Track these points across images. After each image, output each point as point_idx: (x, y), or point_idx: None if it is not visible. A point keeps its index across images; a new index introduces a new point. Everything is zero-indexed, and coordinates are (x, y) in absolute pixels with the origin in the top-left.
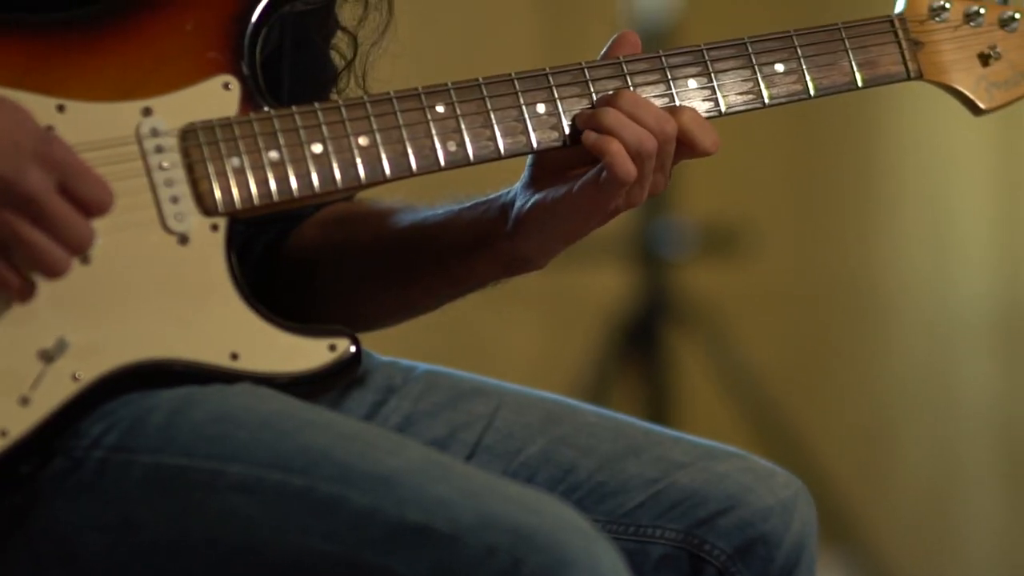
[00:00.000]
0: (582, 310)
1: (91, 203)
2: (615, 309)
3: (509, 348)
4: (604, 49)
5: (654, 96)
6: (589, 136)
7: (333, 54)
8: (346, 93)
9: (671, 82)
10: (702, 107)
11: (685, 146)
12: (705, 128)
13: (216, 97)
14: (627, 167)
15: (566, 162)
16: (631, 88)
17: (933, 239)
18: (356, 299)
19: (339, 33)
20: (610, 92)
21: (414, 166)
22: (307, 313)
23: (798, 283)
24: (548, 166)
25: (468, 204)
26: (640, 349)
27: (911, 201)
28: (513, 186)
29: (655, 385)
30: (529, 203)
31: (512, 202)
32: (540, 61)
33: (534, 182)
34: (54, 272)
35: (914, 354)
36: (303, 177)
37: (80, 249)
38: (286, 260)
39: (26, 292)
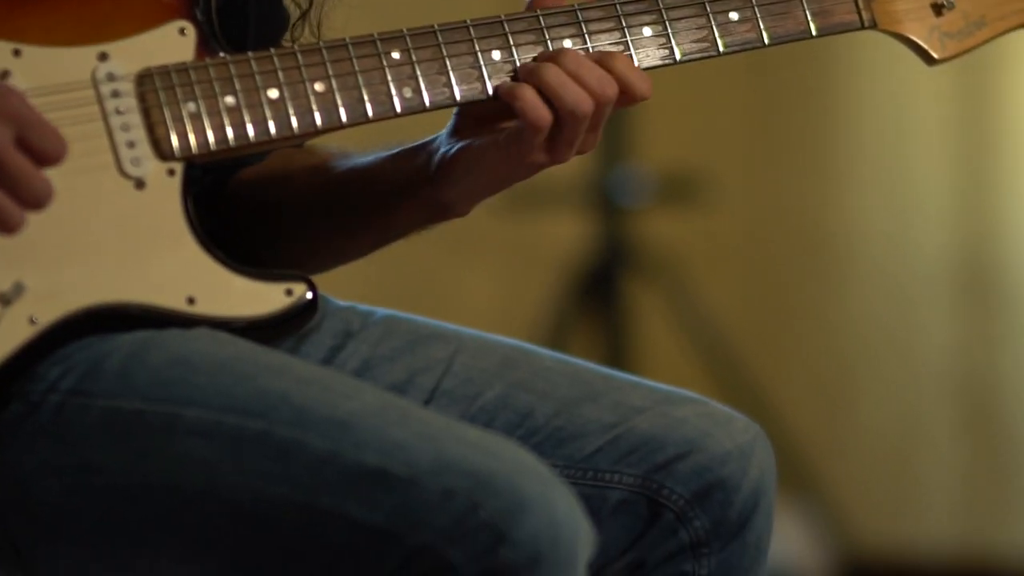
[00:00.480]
0: (540, 258)
1: (46, 154)
2: (573, 257)
3: (468, 295)
4: None
5: (609, 44)
6: (503, 84)
7: (289, 2)
8: (301, 42)
9: (626, 30)
10: (657, 55)
11: (621, 93)
12: (639, 74)
13: (172, 42)
14: (538, 113)
15: (492, 112)
16: (585, 36)
17: (892, 190)
18: (293, 244)
19: None
20: (558, 48)
21: (370, 112)
22: (253, 257)
23: (757, 232)
24: (474, 114)
25: (396, 151)
26: (598, 297)
27: (870, 151)
28: (439, 133)
29: (613, 333)
30: (453, 150)
31: (437, 148)
32: (498, 7)
33: (459, 130)
34: (8, 228)
35: (874, 304)
36: (259, 123)
37: (38, 204)
38: (229, 203)
39: None
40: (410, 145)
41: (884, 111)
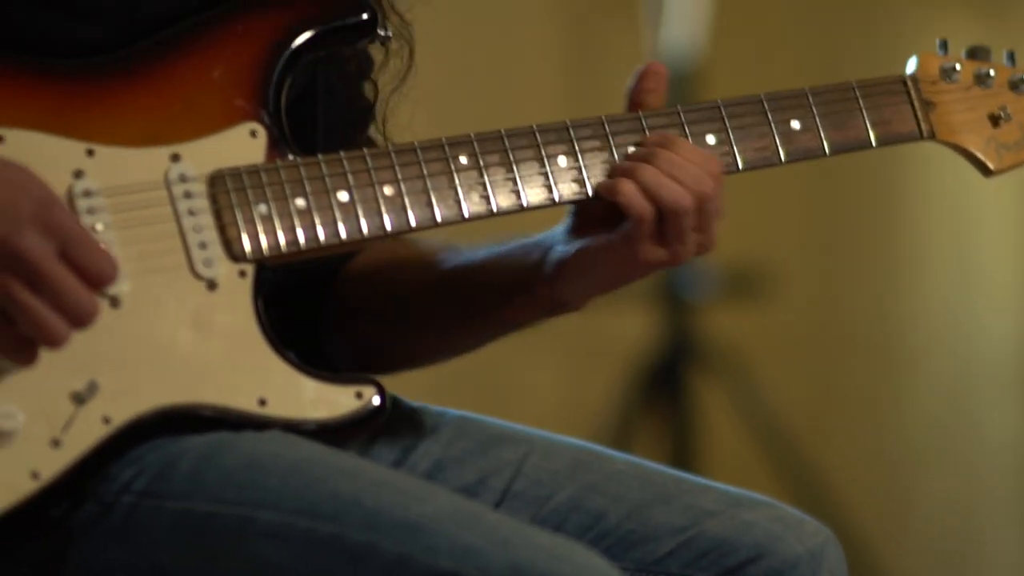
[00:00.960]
0: (606, 352)
1: (92, 273)
2: (639, 351)
3: (533, 390)
4: (631, 80)
5: None
6: (603, 182)
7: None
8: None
9: (689, 138)
10: (720, 163)
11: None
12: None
13: (243, 144)
14: (641, 205)
15: (609, 212)
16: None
17: (955, 284)
18: (400, 341)
19: None
20: (651, 145)
21: (438, 217)
22: (352, 355)
23: (822, 327)
24: (590, 215)
25: (510, 246)
26: (664, 392)
27: (935, 245)
28: (554, 229)
29: (679, 428)
30: (572, 250)
31: (551, 246)
32: (565, 102)
33: (576, 229)
34: (52, 342)
35: (937, 399)
36: (329, 225)
37: (80, 321)
38: (332, 302)
39: (27, 357)
40: (524, 241)
41: (947, 205)
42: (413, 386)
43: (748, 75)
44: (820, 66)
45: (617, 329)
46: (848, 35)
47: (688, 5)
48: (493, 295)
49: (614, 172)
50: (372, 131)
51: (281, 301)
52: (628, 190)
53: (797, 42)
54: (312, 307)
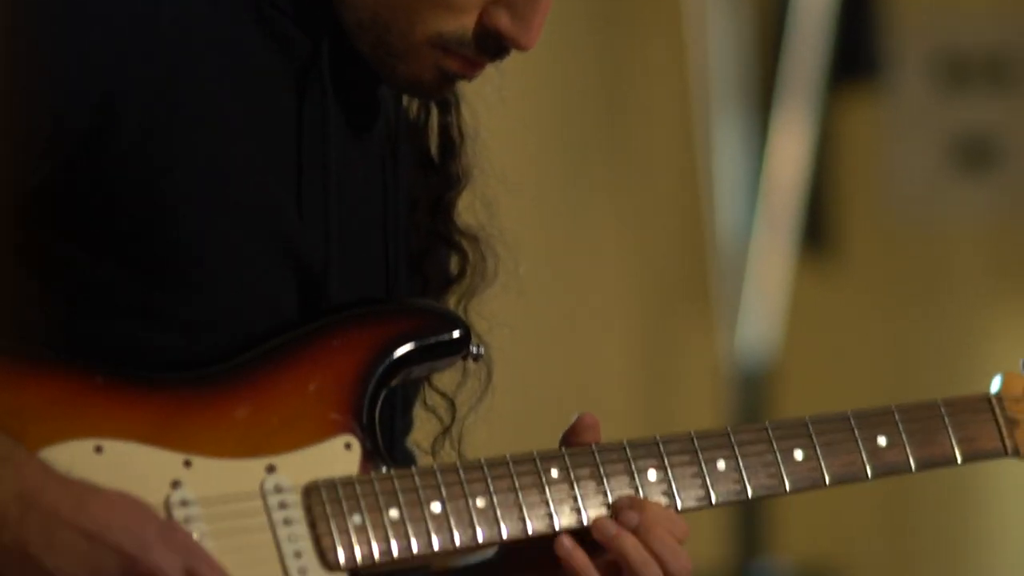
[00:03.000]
0: None
1: None
2: None
3: None
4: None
5: (760, 466)
6: (560, 550)
7: (430, 416)
8: (441, 456)
9: (777, 453)
10: (808, 478)
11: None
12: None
13: (337, 456)
14: None
15: (545, 556)
16: (738, 457)
17: None
18: None
19: (438, 397)
20: (639, 508)
21: (530, 529)
22: None
23: None
24: (526, 555)
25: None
26: None
27: (1009, 564)
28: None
29: None
30: None
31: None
32: (642, 408)
33: (508, 566)
34: None
35: None
36: (422, 536)
37: None
38: None
39: None
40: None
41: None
42: None
43: (821, 378)
44: (893, 370)
45: None
46: (921, 341)
47: (763, 307)
48: None
49: (601, 536)
50: (448, 449)
51: None
52: (567, 544)
53: (871, 347)
54: None
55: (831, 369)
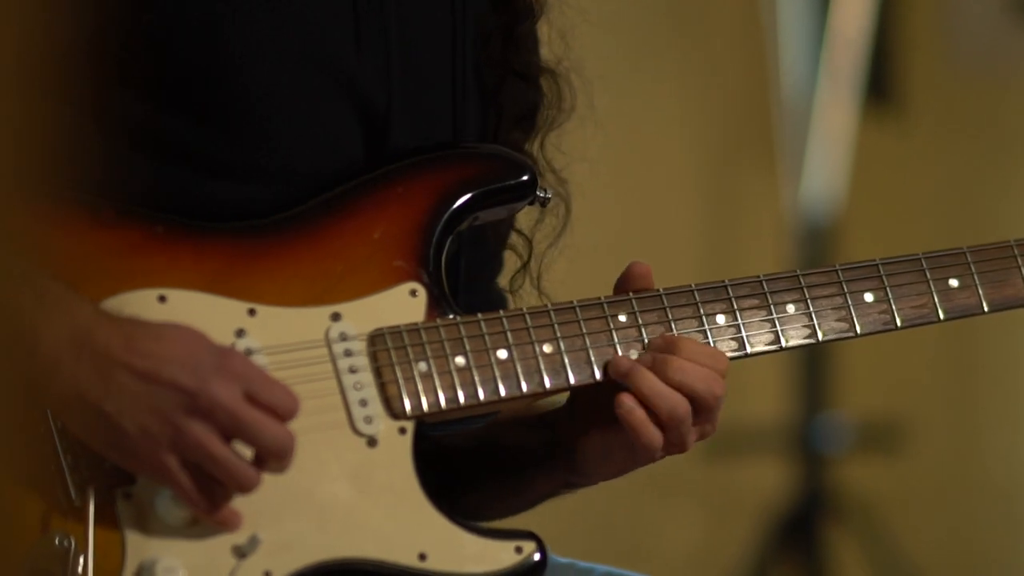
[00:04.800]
0: (740, 504)
1: (279, 408)
2: (773, 505)
3: (669, 539)
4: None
5: (830, 309)
6: (619, 409)
7: (509, 254)
8: (520, 294)
9: (847, 296)
10: (879, 321)
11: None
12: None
13: (403, 303)
14: (648, 437)
15: (611, 398)
16: (808, 300)
17: None
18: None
19: (515, 235)
20: (653, 351)
21: (598, 374)
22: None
23: (956, 479)
24: (593, 400)
25: (515, 422)
26: (798, 544)
27: None
28: (556, 410)
29: None
30: (585, 445)
31: (556, 425)
32: (706, 256)
33: (580, 412)
34: (246, 486)
35: None
36: (489, 383)
37: (283, 454)
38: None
39: (215, 507)
40: (527, 420)
41: None
42: (559, 541)
43: (885, 229)
44: (958, 220)
45: (752, 482)
46: (985, 190)
47: (827, 159)
48: (520, 472)
49: (620, 376)
50: (527, 286)
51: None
52: (637, 422)
53: (934, 197)
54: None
55: (895, 220)
